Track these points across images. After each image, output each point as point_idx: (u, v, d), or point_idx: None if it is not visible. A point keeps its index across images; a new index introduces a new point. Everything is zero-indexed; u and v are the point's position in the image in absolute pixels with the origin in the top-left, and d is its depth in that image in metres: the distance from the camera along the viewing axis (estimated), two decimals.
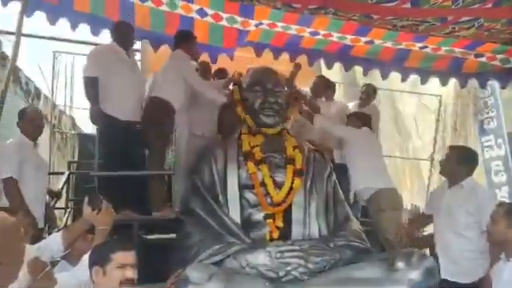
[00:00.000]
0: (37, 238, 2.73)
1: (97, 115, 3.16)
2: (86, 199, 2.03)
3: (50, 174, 4.90)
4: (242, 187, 2.78)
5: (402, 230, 3.03)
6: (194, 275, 2.06)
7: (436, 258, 2.73)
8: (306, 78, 4.87)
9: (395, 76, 4.75)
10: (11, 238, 1.20)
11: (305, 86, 4.69)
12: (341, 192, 3.08)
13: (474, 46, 4.00)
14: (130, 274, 1.75)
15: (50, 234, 3.39)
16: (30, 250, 1.59)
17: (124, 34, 3.40)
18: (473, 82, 4.75)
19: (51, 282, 1.58)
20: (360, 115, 3.94)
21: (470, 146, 4.70)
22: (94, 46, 3.96)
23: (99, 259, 1.74)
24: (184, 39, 3.53)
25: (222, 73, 4.34)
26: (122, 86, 3.26)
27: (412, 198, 5.96)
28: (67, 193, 4.53)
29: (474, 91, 5.81)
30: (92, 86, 3.20)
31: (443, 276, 2.72)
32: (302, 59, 4.42)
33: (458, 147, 3.30)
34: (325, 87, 4.70)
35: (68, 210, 4.47)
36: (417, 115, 6.88)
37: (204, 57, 4.25)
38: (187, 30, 3.67)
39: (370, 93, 4.82)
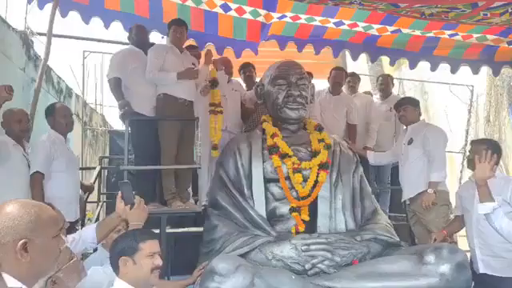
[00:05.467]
0: (69, 229, 2.84)
1: (125, 111, 3.25)
2: (119, 194, 2.02)
3: (82, 169, 5.09)
4: (267, 181, 2.78)
5: (439, 236, 2.94)
6: (221, 266, 2.06)
7: None
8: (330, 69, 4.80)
9: (425, 66, 4.61)
10: (47, 232, 1.18)
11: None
12: (368, 185, 3.03)
13: (508, 32, 3.82)
14: (159, 261, 1.78)
15: (82, 224, 3.52)
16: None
17: (139, 37, 3.57)
18: (506, 71, 4.54)
19: (77, 274, 1.57)
20: (412, 101, 3.67)
21: (504, 137, 4.52)
22: (121, 45, 4.07)
23: (127, 249, 1.76)
24: (169, 28, 3.54)
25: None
26: (143, 84, 3.36)
27: None
28: (99, 187, 4.67)
29: (508, 80, 5.56)
30: (116, 86, 3.31)
31: (483, 271, 2.65)
32: (327, 51, 4.36)
33: (482, 140, 3.25)
34: (345, 78, 4.55)
35: (100, 204, 4.61)
36: (448, 106, 6.66)
37: (229, 52, 4.26)
38: (174, 19, 3.60)
39: (388, 82, 4.66)
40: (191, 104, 3.46)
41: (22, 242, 1.12)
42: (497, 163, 2.75)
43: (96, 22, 3.75)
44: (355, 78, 4.66)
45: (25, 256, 1.13)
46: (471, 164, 2.88)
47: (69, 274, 1.49)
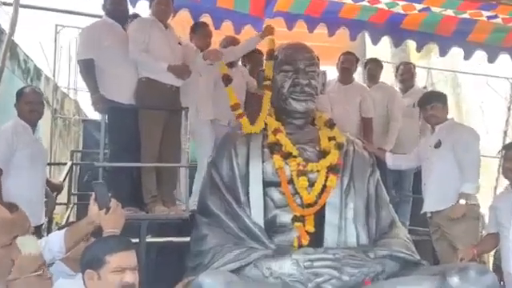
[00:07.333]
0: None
1: (99, 103, 3.25)
2: (93, 196, 2.04)
3: (50, 164, 5.11)
4: (267, 184, 2.80)
5: (467, 254, 2.95)
6: (207, 283, 2.09)
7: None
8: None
9: (457, 53, 4.61)
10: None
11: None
12: (385, 193, 3.05)
13: None
14: (130, 278, 1.73)
15: (48, 229, 3.54)
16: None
17: (115, 7, 3.48)
18: None
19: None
20: (440, 97, 3.64)
21: None
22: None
23: (92, 261, 1.74)
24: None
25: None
26: (121, 66, 3.34)
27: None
28: (69, 186, 4.70)
29: None
30: (88, 70, 3.30)
31: None
32: (343, 32, 4.35)
33: None
34: (356, 65, 4.49)
35: (70, 206, 4.64)
36: (484, 102, 6.67)
37: (228, 27, 4.25)
38: None
39: (411, 72, 4.63)
40: (178, 90, 3.45)
41: None
42: None
43: None
44: (376, 65, 4.59)
45: None
46: (507, 172, 2.91)
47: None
